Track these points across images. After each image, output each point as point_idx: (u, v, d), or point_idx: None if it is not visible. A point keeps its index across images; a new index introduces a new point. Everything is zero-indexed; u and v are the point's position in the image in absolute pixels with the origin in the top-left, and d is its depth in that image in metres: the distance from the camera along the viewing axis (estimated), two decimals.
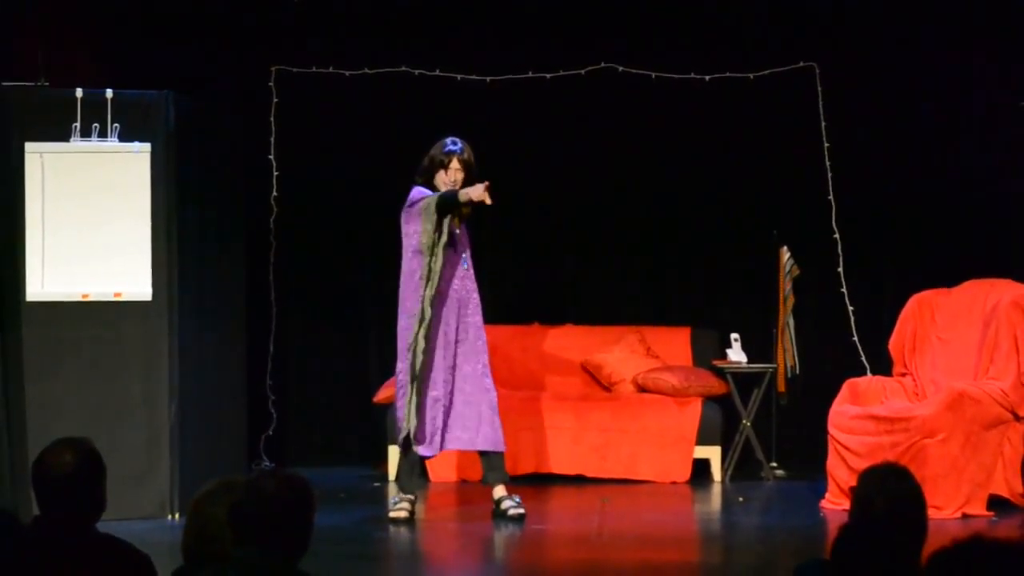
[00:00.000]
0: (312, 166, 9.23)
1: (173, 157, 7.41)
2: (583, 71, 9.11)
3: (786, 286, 8.64)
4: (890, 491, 3.42)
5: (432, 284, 7.17)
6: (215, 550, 3.43)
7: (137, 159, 7.38)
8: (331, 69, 9.13)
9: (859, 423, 7.55)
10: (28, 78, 7.61)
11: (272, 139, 9.17)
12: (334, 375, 9.39)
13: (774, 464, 8.71)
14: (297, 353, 9.37)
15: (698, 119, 9.16)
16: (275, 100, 9.15)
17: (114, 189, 7.37)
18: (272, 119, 9.16)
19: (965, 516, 7.25)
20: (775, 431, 8.83)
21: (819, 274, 8.97)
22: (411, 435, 7.16)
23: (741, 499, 8.03)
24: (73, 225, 7.34)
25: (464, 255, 7.35)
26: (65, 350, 7.34)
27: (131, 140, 7.37)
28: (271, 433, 9.11)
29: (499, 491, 7.37)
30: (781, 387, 8.70)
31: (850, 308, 8.96)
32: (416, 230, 7.20)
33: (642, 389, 8.78)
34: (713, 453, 8.56)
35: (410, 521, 7.26)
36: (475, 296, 7.38)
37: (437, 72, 9.11)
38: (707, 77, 9.03)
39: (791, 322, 8.66)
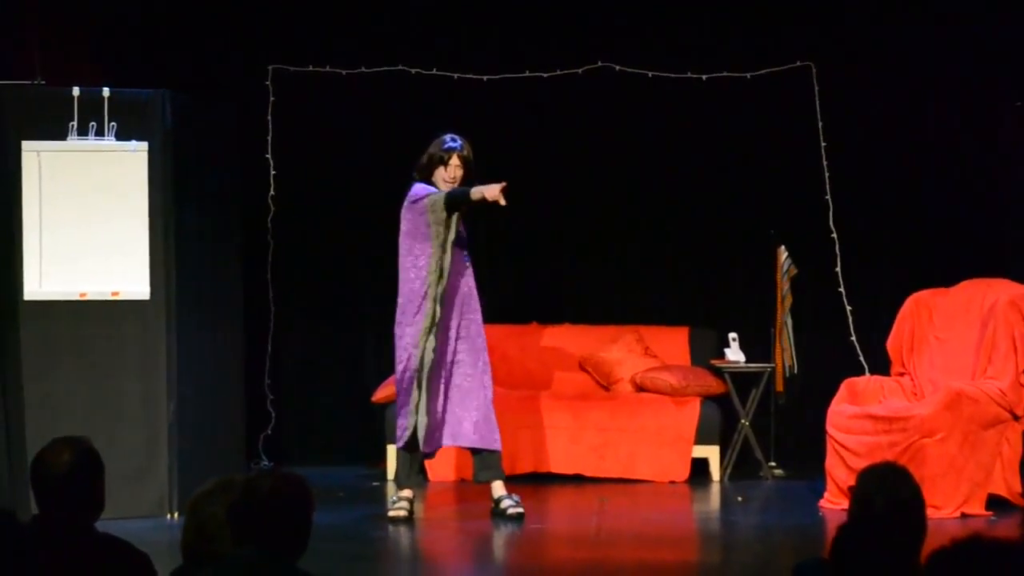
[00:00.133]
0: (309, 165, 9.23)
1: (170, 156, 7.41)
2: (580, 70, 9.11)
3: (784, 285, 8.64)
4: (889, 491, 3.42)
5: (442, 281, 7.17)
6: (214, 549, 3.43)
7: (134, 158, 7.37)
8: (328, 68, 9.13)
9: (857, 423, 7.55)
10: (25, 76, 7.60)
11: (269, 138, 9.17)
12: (332, 374, 9.39)
13: (772, 463, 8.71)
14: (295, 352, 9.37)
15: (695, 118, 9.16)
16: (272, 99, 9.15)
17: (111, 188, 7.36)
18: (269, 118, 9.16)
19: (964, 515, 7.25)
20: (773, 430, 8.83)
21: (817, 274, 8.97)
22: (417, 434, 7.14)
23: (740, 498, 8.03)
24: (70, 224, 7.33)
25: (464, 252, 7.35)
26: (63, 349, 7.33)
27: (128, 139, 7.37)
28: (270, 432, 9.11)
29: (498, 490, 7.36)
30: (779, 386, 8.70)
31: (848, 308, 8.97)
32: (419, 226, 7.18)
33: (640, 388, 8.78)
34: (711, 452, 8.56)
35: (409, 520, 7.26)
36: (475, 293, 7.38)
37: (434, 71, 9.11)
38: (704, 76, 9.03)
39: (789, 322, 8.66)
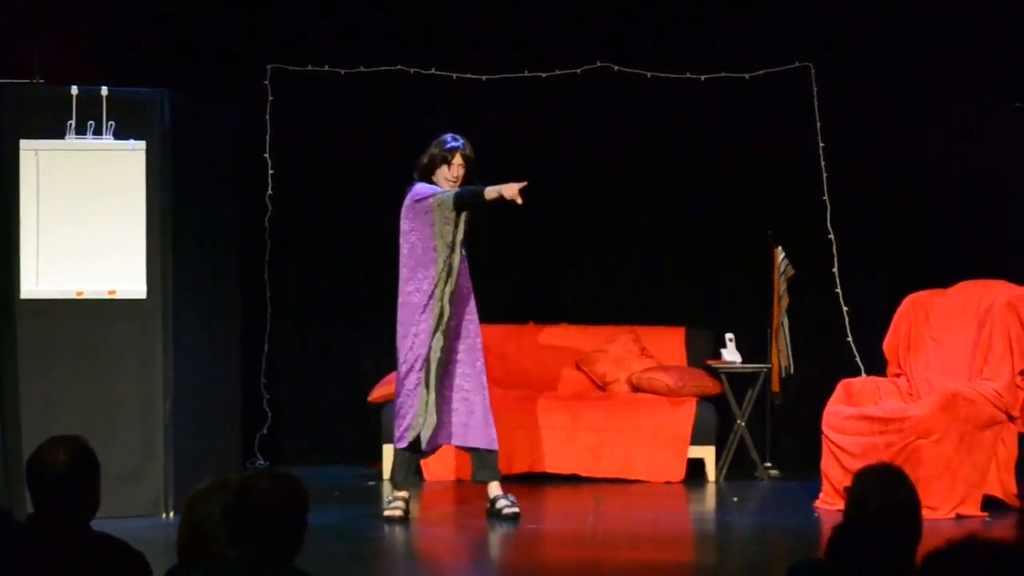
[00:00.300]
0: (307, 165, 9.23)
1: (168, 155, 7.40)
2: (579, 70, 9.11)
3: (781, 286, 8.64)
4: (884, 491, 3.42)
5: (452, 281, 7.17)
6: (210, 549, 3.43)
7: (132, 157, 7.37)
8: (327, 67, 9.13)
9: (853, 423, 7.55)
10: (23, 75, 7.60)
11: (267, 137, 9.17)
12: (329, 374, 9.39)
13: (768, 464, 8.71)
14: (292, 351, 9.36)
15: (693, 119, 9.16)
16: (271, 98, 9.15)
17: (109, 187, 7.35)
18: (268, 117, 9.16)
19: (959, 516, 7.26)
20: (769, 431, 8.83)
21: (814, 274, 8.97)
22: (423, 434, 7.14)
23: (735, 499, 8.03)
24: (68, 223, 7.33)
25: (463, 252, 7.35)
26: (60, 348, 7.33)
27: (126, 138, 7.36)
28: (266, 431, 9.10)
29: (494, 490, 7.36)
30: (775, 387, 8.71)
31: (844, 308, 8.97)
32: (424, 225, 7.17)
33: (636, 389, 8.79)
34: (707, 453, 8.56)
35: (405, 520, 7.26)
36: (472, 293, 7.38)
37: (433, 71, 9.11)
38: (703, 77, 9.03)
39: (786, 322, 8.66)
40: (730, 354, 8.69)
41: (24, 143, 7.31)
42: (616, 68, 9.10)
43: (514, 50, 9.13)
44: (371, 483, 8.45)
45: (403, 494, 7.32)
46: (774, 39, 9.05)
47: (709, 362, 8.81)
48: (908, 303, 8.15)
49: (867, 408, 7.67)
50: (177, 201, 7.44)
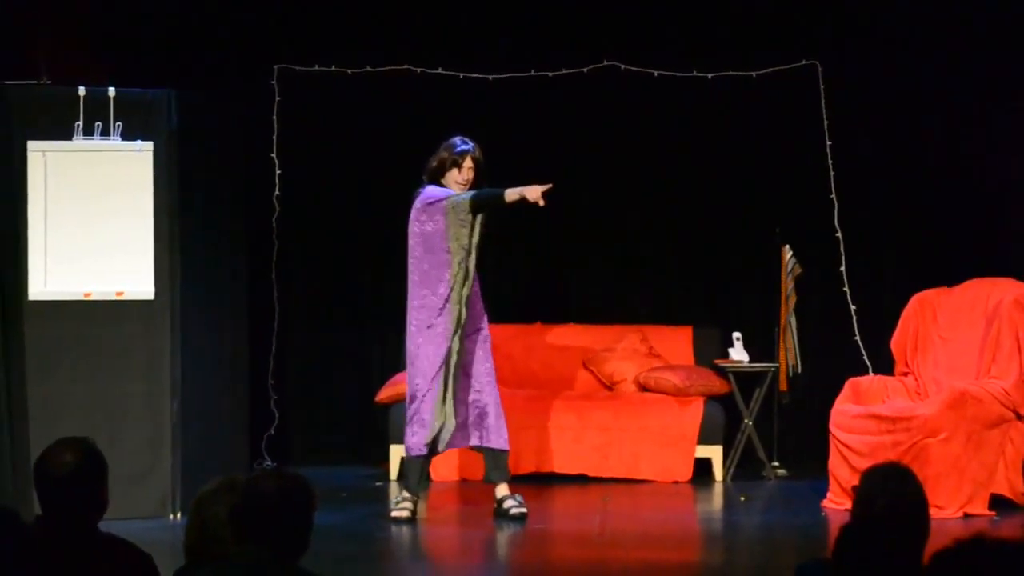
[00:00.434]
0: (315, 165, 9.23)
1: (175, 156, 7.41)
2: (585, 69, 9.10)
3: (788, 285, 8.64)
4: (892, 491, 3.42)
5: (468, 284, 7.17)
6: (217, 549, 3.44)
7: (139, 158, 7.38)
8: (334, 67, 9.12)
9: (861, 422, 7.55)
10: (31, 76, 7.61)
11: (275, 138, 9.16)
12: (336, 374, 9.39)
13: (776, 463, 8.71)
14: (299, 352, 9.36)
15: (700, 117, 9.15)
16: (278, 98, 9.14)
17: (116, 188, 7.37)
18: (275, 117, 9.15)
19: (967, 516, 7.25)
20: (777, 430, 8.83)
21: (821, 273, 8.96)
22: (442, 436, 7.15)
23: (743, 498, 8.03)
24: (75, 224, 7.34)
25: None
26: (67, 349, 7.34)
27: (133, 138, 7.37)
28: (273, 432, 9.10)
29: (501, 490, 7.36)
30: (783, 386, 8.70)
31: (852, 307, 8.95)
32: (438, 228, 7.16)
33: (644, 388, 8.78)
34: (715, 452, 8.56)
35: (412, 520, 7.26)
36: (479, 293, 7.38)
37: (439, 70, 9.11)
38: (709, 75, 9.02)
39: (793, 321, 8.65)
40: (737, 353, 8.69)
41: (32, 144, 7.32)
42: (623, 67, 9.09)
43: (521, 49, 9.12)
44: (378, 483, 8.45)
45: (412, 495, 7.32)
46: (781, 37, 9.04)
47: (716, 361, 8.80)
48: (915, 302, 8.14)
49: (875, 407, 7.66)
50: (184, 202, 7.45)
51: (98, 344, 7.34)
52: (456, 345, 7.16)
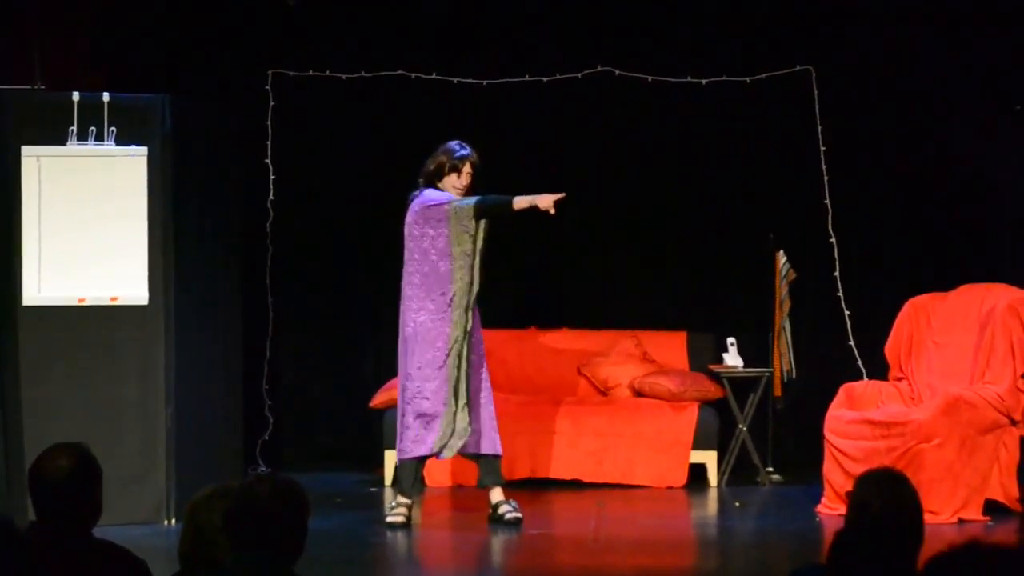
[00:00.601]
0: (309, 170, 9.22)
1: (170, 161, 7.41)
2: (580, 75, 9.11)
3: (782, 290, 8.64)
4: (886, 496, 3.42)
5: (474, 290, 7.17)
6: (211, 555, 3.43)
7: (134, 163, 7.38)
8: (328, 73, 9.12)
9: (855, 428, 7.55)
10: (25, 81, 7.61)
11: (269, 143, 9.16)
12: (331, 379, 9.38)
13: (770, 469, 8.71)
14: (294, 357, 9.36)
15: (694, 123, 9.16)
16: (272, 104, 9.14)
17: (111, 193, 7.36)
18: (269, 123, 9.15)
19: (961, 521, 7.26)
20: (771, 436, 8.83)
21: (815, 278, 8.97)
22: (450, 443, 7.15)
23: (737, 504, 8.03)
24: (69, 229, 7.33)
25: None
26: (61, 354, 7.33)
27: (128, 144, 7.37)
28: (267, 437, 9.08)
29: (496, 495, 7.36)
30: (777, 391, 8.70)
31: (846, 312, 8.96)
32: (439, 233, 7.16)
33: (638, 393, 8.78)
34: (709, 458, 8.55)
35: (407, 526, 7.26)
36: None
37: (434, 76, 9.11)
38: (703, 81, 9.03)
39: (787, 326, 8.66)
40: (732, 358, 8.69)
41: (26, 149, 7.32)
42: (617, 72, 9.09)
43: (515, 55, 9.12)
44: (373, 489, 8.45)
45: (406, 500, 7.32)
46: (775, 43, 9.05)
47: (711, 367, 8.81)
48: (909, 307, 8.15)
49: (869, 412, 7.67)
50: (178, 207, 7.45)
51: (92, 349, 7.34)
52: (465, 352, 7.15)
